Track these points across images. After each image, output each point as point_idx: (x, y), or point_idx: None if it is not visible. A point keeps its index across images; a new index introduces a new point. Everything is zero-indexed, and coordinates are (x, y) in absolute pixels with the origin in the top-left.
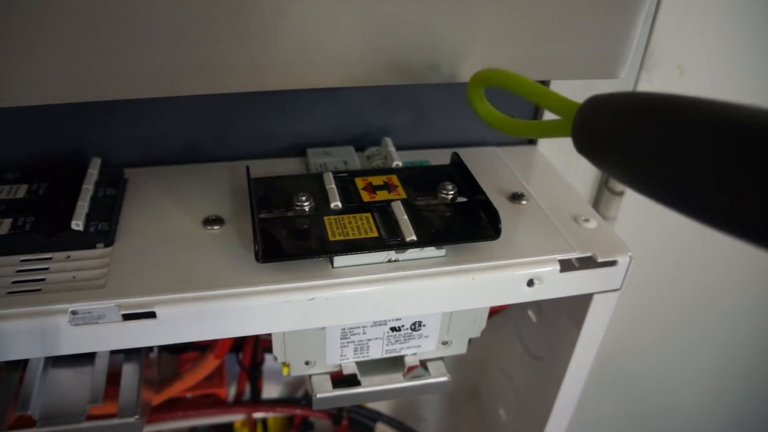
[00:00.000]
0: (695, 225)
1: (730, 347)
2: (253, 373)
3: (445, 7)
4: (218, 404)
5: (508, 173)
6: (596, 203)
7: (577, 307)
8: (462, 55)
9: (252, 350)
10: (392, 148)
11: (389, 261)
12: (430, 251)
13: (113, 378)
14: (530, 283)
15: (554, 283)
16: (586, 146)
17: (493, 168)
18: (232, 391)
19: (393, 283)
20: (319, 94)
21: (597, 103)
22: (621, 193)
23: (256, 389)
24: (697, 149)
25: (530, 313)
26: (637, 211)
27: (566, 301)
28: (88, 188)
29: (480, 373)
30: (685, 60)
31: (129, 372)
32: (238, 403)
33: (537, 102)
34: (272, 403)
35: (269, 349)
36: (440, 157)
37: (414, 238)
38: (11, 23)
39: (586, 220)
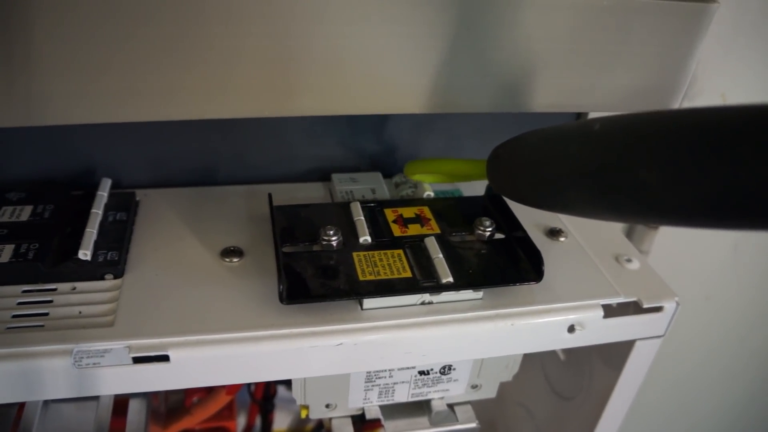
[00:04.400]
0: (727, 260)
1: (756, 384)
2: (265, 406)
3: (501, 41)
4: None
5: None
6: (629, 235)
7: (613, 350)
8: (516, 84)
9: (265, 382)
10: None
11: (422, 303)
12: (467, 293)
13: (118, 407)
14: (571, 329)
15: (597, 330)
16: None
17: None
18: (241, 422)
19: (427, 328)
20: (345, 116)
21: (494, 154)
22: (656, 227)
23: (267, 422)
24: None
25: (558, 351)
26: (670, 243)
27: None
28: (97, 213)
29: (496, 407)
30: (727, 88)
31: (136, 407)
32: None
33: (458, 171)
34: None
35: (282, 380)
36: (470, 185)
37: (450, 279)
38: (23, 43)
39: (629, 260)
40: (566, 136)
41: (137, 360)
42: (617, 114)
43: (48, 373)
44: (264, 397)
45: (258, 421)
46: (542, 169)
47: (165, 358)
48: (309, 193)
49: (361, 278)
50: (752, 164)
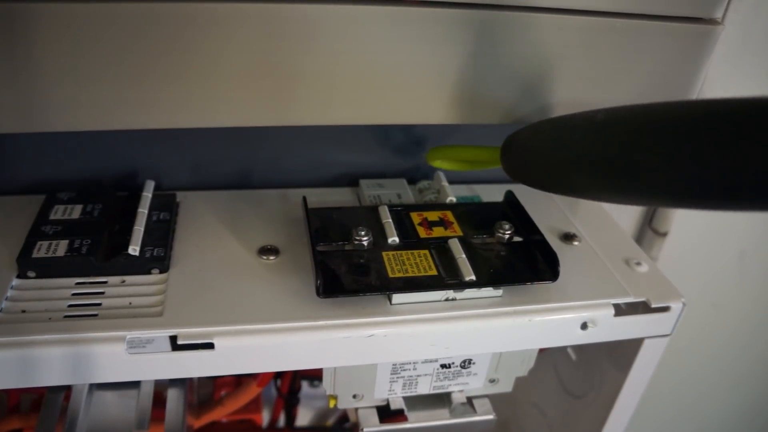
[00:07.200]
0: (735, 268)
1: (760, 390)
2: (290, 400)
3: (516, 57)
4: (254, 430)
5: (557, 211)
6: (638, 242)
7: (622, 349)
8: (531, 98)
9: (291, 377)
10: (445, 183)
11: (447, 299)
12: (488, 291)
13: (156, 398)
14: (584, 326)
15: (608, 327)
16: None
17: (541, 205)
18: (266, 416)
19: (451, 323)
20: (372, 125)
21: (508, 140)
22: (664, 234)
23: (291, 416)
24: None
25: (569, 350)
26: (677, 251)
27: (610, 342)
28: (143, 212)
29: (509, 406)
30: None
31: (174, 397)
32: (272, 428)
33: (477, 158)
34: (307, 431)
35: (306, 376)
36: (489, 192)
37: (473, 277)
38: (69, 51)
39: (638, 264)
40: (572, 125)
41: (185, 347)
42: (620, 106)
43: (102, 358)
44: (289, 391)
45: (282, 415)
46: (551, 155)
47: (210, 346)
48: (338, 197)
49: (390, 275)
50: (746, 149)
